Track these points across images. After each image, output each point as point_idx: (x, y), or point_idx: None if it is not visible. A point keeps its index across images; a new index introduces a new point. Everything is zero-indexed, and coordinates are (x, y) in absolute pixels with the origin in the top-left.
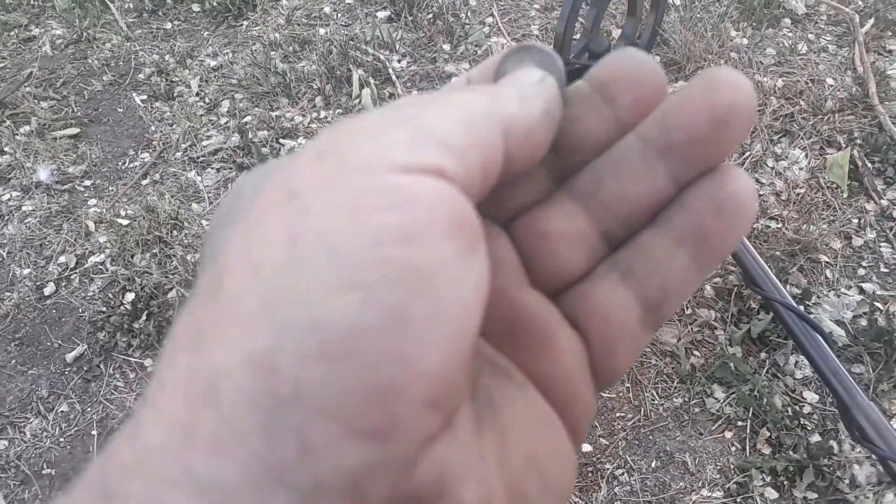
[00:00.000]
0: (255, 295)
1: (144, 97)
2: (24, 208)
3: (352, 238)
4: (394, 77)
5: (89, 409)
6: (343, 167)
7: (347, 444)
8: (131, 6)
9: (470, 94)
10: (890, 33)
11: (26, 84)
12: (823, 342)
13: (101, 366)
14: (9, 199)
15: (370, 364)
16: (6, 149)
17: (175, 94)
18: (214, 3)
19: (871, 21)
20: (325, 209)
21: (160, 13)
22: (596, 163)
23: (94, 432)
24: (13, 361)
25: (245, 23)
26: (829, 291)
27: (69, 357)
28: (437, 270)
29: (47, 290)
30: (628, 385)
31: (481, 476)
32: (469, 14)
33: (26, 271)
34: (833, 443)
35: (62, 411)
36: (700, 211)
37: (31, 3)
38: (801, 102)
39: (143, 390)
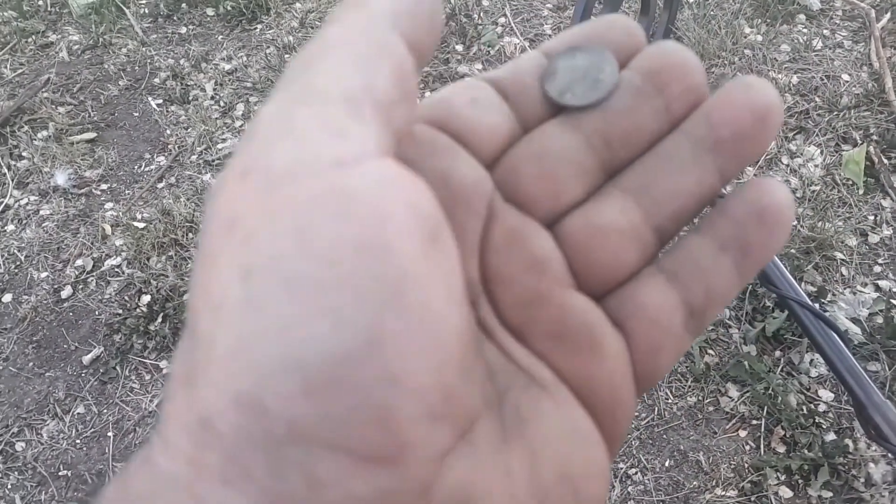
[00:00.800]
0: (224, 337)
1: (160, 101)
2: (41, 212)
3: (305, 261)
4: None
5: (105, 410)
6: (270, 183)
7: (356, 474)
8: (147, 11)
9: (344, 17)
10: None
11: (44, 90)
12: (839, 340)
13: (118, 368)
14: (27, 204)
15: (357, 390)
16: (24, 154)
17: (190, 98)
18: (228, 7)
19: (888, 16)
20: (270, 234)
21: (175, 18)
22: (646, 158)
23: (109, 434)
24: (31, 364)
25: (259, 26)
26: (844, 289)
27: (86, 359)
28: (401, 277)
29: (64, 294)
30: None
31: (509, 493)
32: (482, 14)
33: (44, 274)
34: (848, 441)
35: (79, 413)
36: (742, 218)
37: (49, 9)
38: (816, 99)
39: (159, 392)
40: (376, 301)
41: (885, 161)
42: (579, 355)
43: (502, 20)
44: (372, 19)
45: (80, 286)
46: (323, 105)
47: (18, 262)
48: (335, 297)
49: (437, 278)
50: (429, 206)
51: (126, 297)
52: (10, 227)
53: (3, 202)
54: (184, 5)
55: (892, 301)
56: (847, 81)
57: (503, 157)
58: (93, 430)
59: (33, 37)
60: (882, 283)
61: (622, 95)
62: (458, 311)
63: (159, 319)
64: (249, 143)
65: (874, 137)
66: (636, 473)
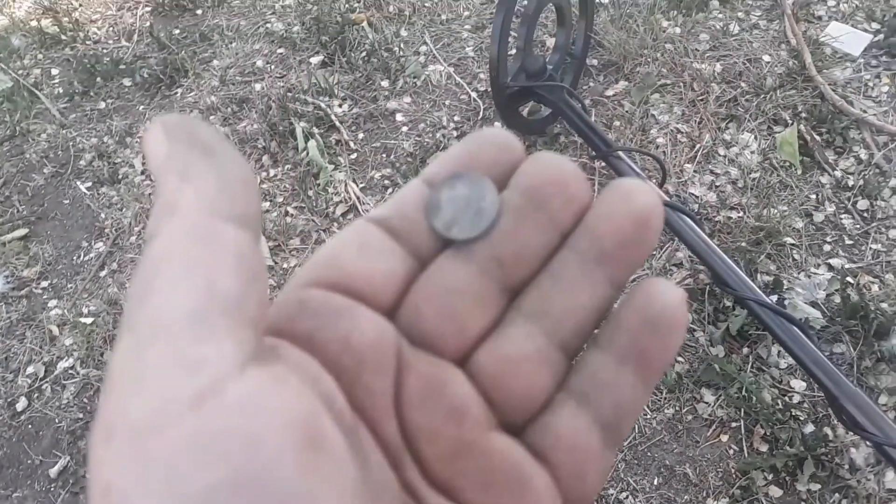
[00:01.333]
0: None
1: (89, 184)
2: None
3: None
4: (337, 123)
5: None
6: (134, 440)
7: None
8: (61, 91)
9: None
10: None
11: None
12: (801, 334)
13: (88, 476)
14: None
15: None
16: None
17: (120, 177)
18: (145, 75)
19: None
20: (141, 496)
21: (91, 94)
22: (540, 278)
23: None
24: None
25: (179, 90)
26: (799, 273)
27: (52, 472)
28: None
29: (20, 406)
30: None
31: None
32: (402, 46)
33: None
34: (827, 430)
35: None
36: (635, 328)
37: None
38: (742, 84)
39: None
40: None
41: (817, 138)
42: (510, 500)
43: (424, 48)
44: (188, 218)
45: (35, 395)
46: (169, 337)
47: None
48: None
49: (323, 488)
50: (301, 413)
51: (85, 399)
52: None
53: None
54: (98, 79)
55: (847, 279)
56: (768, 62)
57: (404, 301)
58: None
59: None
60: (833, 261)
61: (506, 219)
62: None
63: None
64: (108, 398)
65: (803, 115)
66: (627, 497)
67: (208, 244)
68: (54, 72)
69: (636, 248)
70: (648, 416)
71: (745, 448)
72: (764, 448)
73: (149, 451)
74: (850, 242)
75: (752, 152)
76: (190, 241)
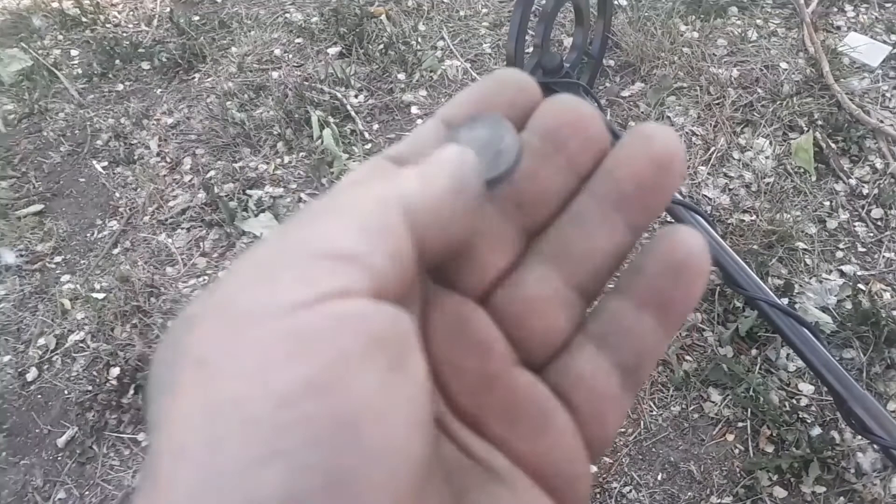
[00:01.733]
0: (185, 481)
1: (105, 164)
2: None
3: (262, 402)
4: (353, 113)
5: (87, 492)
6: (240, 322)
7: None
8: (80, 72)
9: (365, 185)
10: (836, 9)
11: None
12: (812, 336)
13: (94, 447)
14: None
15: None
16: None
17: (136, 157)
18: (164, 59)
19: (816, 0)
20: (233, 374)
21: (110, 75)
22: (560, 221)
23: None
24: (3, 454)
25: (197, 75)
26: (810, 278)
27: (60, 442)
28: (357, 413)
29: (30, 376)
30: None
31: None
32: (420, 40)
33: (6, 358)
34: (834, 433)
35: (60, 499)
36: (656, 276)
37: None
38: (759, 90)
39: (140, 467)
40: (332, 441)
41: (833, 145)
42: (533, 435)
43: (441, 44)
44: (388, 198)
45: (46, 366)
46: (307, 259)
47: None
48: (290, 438)
49: (397, 408)
50: (392, 334)
51: (94, 372)
52: None
53: None
54: (117, 62)
55: (858, 285)
56: (786, 69)
57: None
58: None
59: None
60: (846, 268)
61: (525, 161)
62: (420, 438)
63: (131, 391)
64: (228, 283)
65: (819, 123)
66: (630, 491)
67: (383, 229)
68: (74, 53)
69: (656, 193)
70: (655, 413)
71: (750, 448)
72: (770, 449)
73: (248, 338)
74: (864, 250)
75: (767, 157)
76: (372, 215)
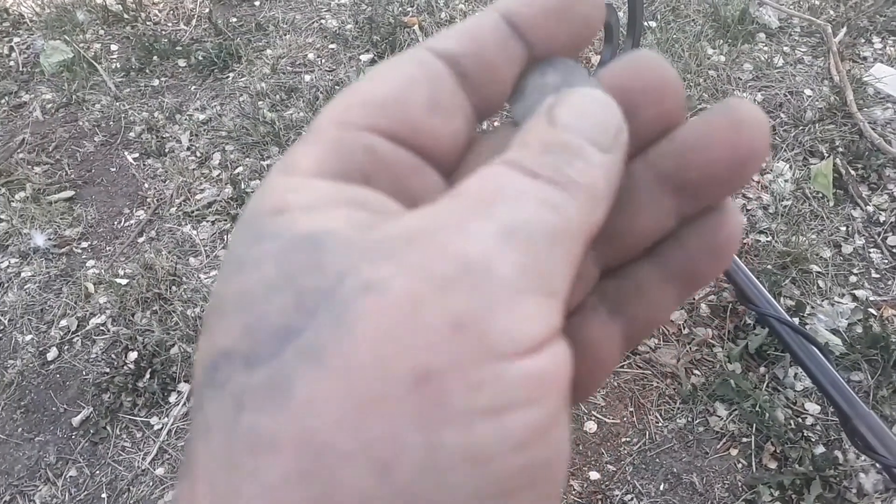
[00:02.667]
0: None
1: (136, 155)
2: (23, 274)
3: (497, 443)
4: None
5: (98, 472)
6: (483, 348)
7: None
8: (119, 66)
9: (561, 210)
10: (863, 40)
11: (19, 150)
12: (820, 354)
13: (108, 427)
14: (7, 267)
15: None
16: (2, 216)
17: (166, 150)
18: (200, 58)
19: (844, 30)
20: (467, 406)
21: (147, 71)
22: None
23: (104, 495)
24: (20, 430)
25: (231, 74)
26: (822, 301)
27: (75, 421)
28: (556, 456)
29: (50, 356)
30: (632, 409)
31: None
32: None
33: (28, 337)
34: (838, 453)
35: (71, 476)
36: (696, 251)
37: (20, 69)
38: (782, 115)
39: (150, 450)
40: (541, 480)
41: (853, 172)
42: None
43: None
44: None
45: (66, 347)
46: (544, 294)
47: (2, 326)
48: (516, 481)
49: (566, 440)
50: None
51: (112, 355)
52: None
53: None
54: (155, 58)
55: (870, 310)
56: (810, 96)
57: (461, 165)
58: (86, 492)
59: (6, 98)
60: (859, 292)
61: None
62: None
63: (147, 376)
64: (473, 295)
65: (840, 149)
66: (632, 500)
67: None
68: (114, 47)
69: (722, 187)
70: (661, 424)
71: (753, 463)
72: (773, 465)
73: (490, 368)
74: (877, 276)
75: (786, 181)
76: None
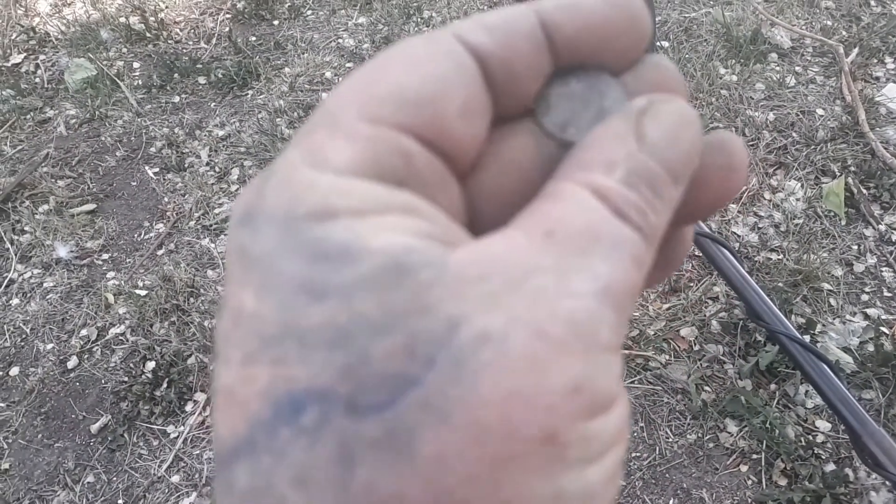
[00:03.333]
0: None
1: (157, 170)
2: (45, 285)
3: (601, 482)
4: None
5: (115, 478)
6: (593, 408)
7: None
8: (140, 83)
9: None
10: (875, 60)
11: (43, 164)
12: (830, 372)
13: (125, 435)
14: (31, 277)
15: None
16: (26, 228)
17: (186, 165)
18: (220, 75)
19: (856, 50)
20: (581, 456)
21: (168, 88)
22: None
23: (120, 502)
24: (39, 436)
25: (250, 92)
26: (833, 319)
27: (94, 428)
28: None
29: (70, 364)
30: (642, 425)
31: None
32: None
33: (49, 346)
34: (848, 471)
35: (88, 482)
36: (708, 194)
37: (45, 86)
38: (794, 134)
39: (167, 458)
40: None
41: (864, 191)
42: None
43: None
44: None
45: (86, 356)
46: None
47: (24, 335)
48: None
49: None
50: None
51: (131, 365)
52: (15, 301)
53: (7, 277)
54: (176, 75)
55: (881, 328)
56: (822, 116)
57: (476, 174)
58: (103, 499)
59: (31, 113)
60: (870, 311)
61: None
62: None
63: (165, 385)
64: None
65: (852, 169)
66: None
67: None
68: (136, 65)
69: (706, 214)
70: (671, 440)
71: (763, 480)
72: (783, 482)
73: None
74: (889, 295)
75: (798, 199)
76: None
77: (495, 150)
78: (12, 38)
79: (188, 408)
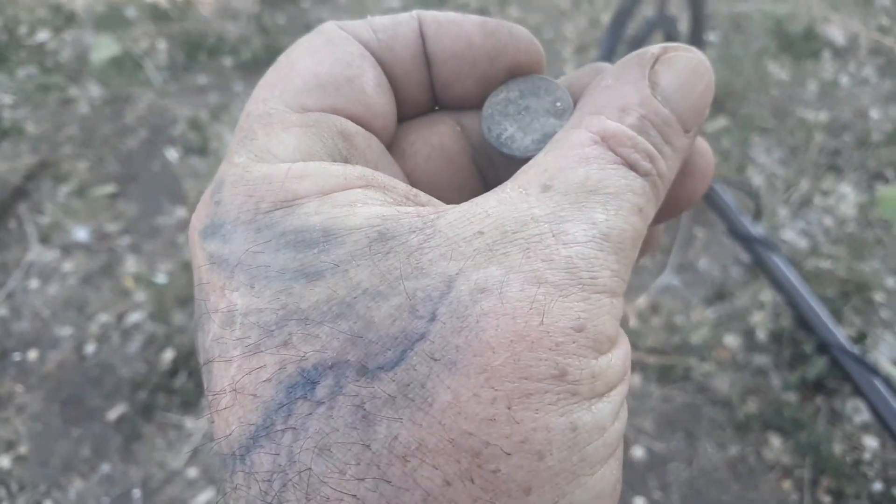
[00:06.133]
0: None
1: (179, 152)
2: (64, 268)
3: (608, 415)
4: None
5: (131, 468)
6: (597, 346)
7: None
8: (165, 63)
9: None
10: None
11: (65, 144)
12: (884, 387)
13: (142, 425)
14: (50, 260)
15: None
16: (47, 209)
17: (209, 149)
18: (246, 57)
19: None
20: (591, 390)
21: (193, 68)
22: None
23: (136, 493)
24: (57, 422)
25: None
26: (884, 331)
27: (110, 417)
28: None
29: (88, 350)
30: (682, 436)
31: None
32: None
33: (68, 331)
34: None
35: (104, 472)
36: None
37: (70, 65)
38: (846, 137)
39: (184, 450)
40: None
41: None
42: None
43: None
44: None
45: (104, 342)
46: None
47: (43, 319)
48: None
49: None
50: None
51: (149, 353)
52: (34, 284)
53: (26, 258)
54: (201, 56)
55: None
56: (876, 118)
57: (396, 149)
58: (119, 489)
59: (55, 92)
60: None
61: None
62: None
63: (183, 376)
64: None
65: None
66: None
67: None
68: (161, 45)
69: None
70: (710, 452)
71: (806, 497)
72: (827, 500)
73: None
74: None
75: (850, 205)
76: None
77: (424, 136)
78: (39, 15)
79: (206, 401)
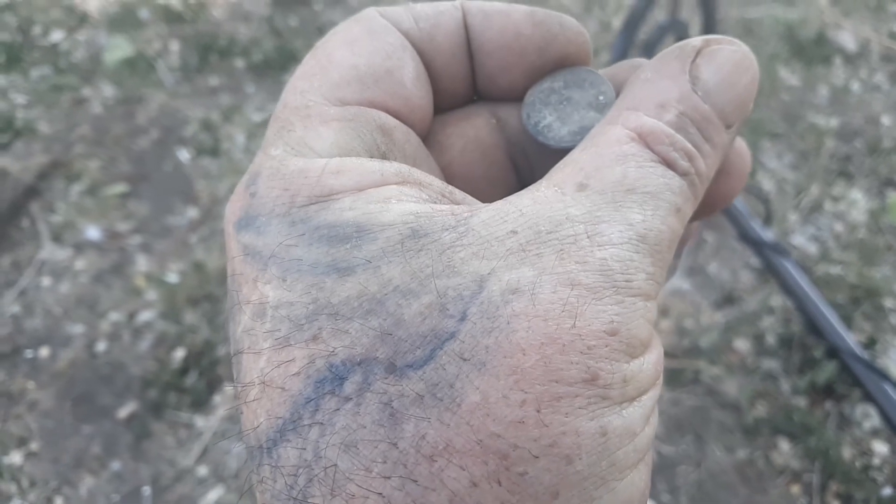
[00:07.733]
0: None
1: (191, 153)
2: (76, 266)
3: (639, 420)
4: None
5: (141, 466)
6: (630, 349)
7: None
8: (177, 64)
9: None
10: None
11: (78, 143)
12: (892, 391)
13: (153, 423)
14: (62, 259)
15: None
16: (59, 207)
17: (221, 150)
18: (258, 59)
19: None
20: (622, 395)
21: (205, 70)
22: None
23: (146, 491)
24: (68, 419)
25: (288, 76)
26: (894, 337)
27: (121, 414)
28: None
29: (99, 348)
30: (690, 439)
31: None
32: None
33: (79, 329)
34: None
35: (115, 469)
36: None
37: (83, 65)
38: (857, 143)
39: (194, 448)
40: None
41: None
42: None
43: None
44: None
45: (115, 340)
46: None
47: (55, 317)
48: None
49: None
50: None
51: (160, 352)
52: (46, 282)
53: (38, 257)
54: (213, 57)
55: None
56: (888, 125)
57: (443, 150)
58: (129, 486)
59: (68, 92)
60: None
61: None
62: None
63: (194, 375)
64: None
65: None
66: None
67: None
68: (174, 46)
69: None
70: (719, 456)
71: (814, 501)
72: None
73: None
74: None
75: (860, 211)
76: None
77: (461, 129)
78: (52, 16)
79: (217, 399)
